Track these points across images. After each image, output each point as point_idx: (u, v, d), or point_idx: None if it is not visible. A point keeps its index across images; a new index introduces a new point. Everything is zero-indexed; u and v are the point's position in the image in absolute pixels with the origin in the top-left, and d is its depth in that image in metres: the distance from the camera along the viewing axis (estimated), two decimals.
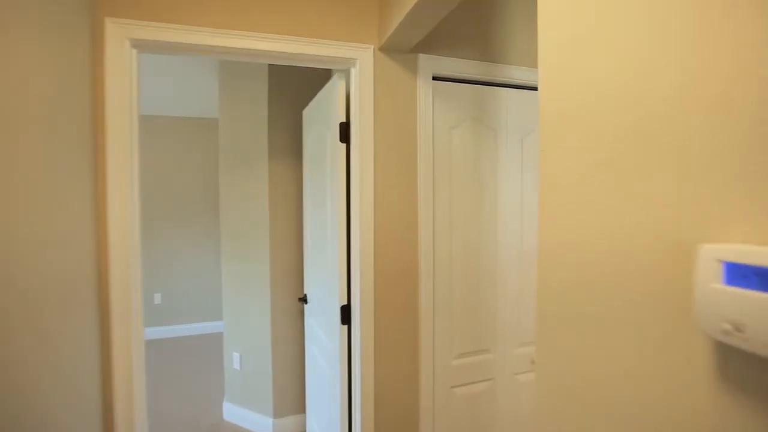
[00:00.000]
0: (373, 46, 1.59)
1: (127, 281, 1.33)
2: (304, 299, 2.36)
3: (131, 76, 1.35)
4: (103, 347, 1.31)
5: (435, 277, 1.75)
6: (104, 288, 1.31)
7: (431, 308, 1.74)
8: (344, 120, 1.68)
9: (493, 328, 1.88)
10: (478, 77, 1.76)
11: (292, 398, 2.56)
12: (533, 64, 1.85)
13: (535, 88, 1.90)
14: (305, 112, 2.30)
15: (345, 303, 1.71)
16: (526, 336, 1.95)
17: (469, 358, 1.84)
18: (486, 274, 1.85)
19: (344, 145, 1.68)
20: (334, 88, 1.71)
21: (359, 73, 1.59)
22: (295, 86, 2.51)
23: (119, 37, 1.31)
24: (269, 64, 2.45)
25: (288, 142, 2.51)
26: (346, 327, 1.71)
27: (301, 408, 2.59)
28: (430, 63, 1.67)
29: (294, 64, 1.59)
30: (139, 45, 1.36)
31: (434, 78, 1.71)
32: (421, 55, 1.66)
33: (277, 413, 2.54)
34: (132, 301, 1.35)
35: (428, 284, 1.72)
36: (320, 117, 1.96)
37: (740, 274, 0.42)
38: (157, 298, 4.31)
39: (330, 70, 2.41)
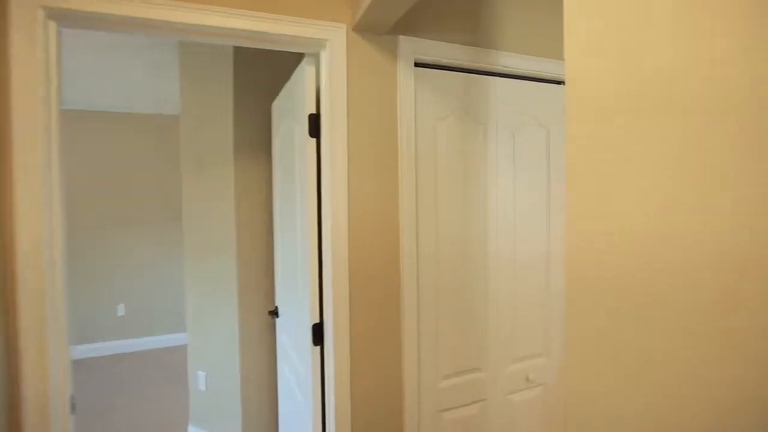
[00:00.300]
0: (345, 25, 1.38)
1: (42, 300, 1.09)
2: (275, 313, 2.13)
3: (48, 56, 1.10)
4: (11, 380, 1.06)
5: (419, 286, 1.55)
6: (11, 307, 1.06)
7: (415, 323, 1.53)
8: (314, 111, 1.46)
9: (485, 343, 1.69)
10: (466, 64, 1.57)
11: (263, 422, 2.32)
12: (528, 50, 1.66)
13: (529, 78, 1.72)
14: (274, 105, 2.08)
15: (317, 321, 1.49)
16: (520, 350, 1.77)
17: (458, 378, 1.65)
18: (476, 282, 1.66)
19: (314, 140, 1.46)
20: (302, 75, 1.49)
21: (330, 57, 1.38)
22: (265, 77, 2.28)
23: (29, 5, 1.06)
24: (235, 54, 2.21)
25: (257, 140, 2.27)
26: (318, 348, 1.50)
27: None
28: (411, 46, 1.47)
29: (252, 45, 1.36)
30: (58, 16, 1.11)
31: (416, 64, 1.51)
32: (401, 37, 1.45)
33: None
34: (49, 323, 1.10)
35: (412, 295, 1.52)
36: (289, 109, 1.74)
37: None
38: (121, 310, 3.99)
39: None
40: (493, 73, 1.65)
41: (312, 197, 1.46)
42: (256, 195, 2.27)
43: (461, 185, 1.61)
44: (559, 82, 1.79)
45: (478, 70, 1.62)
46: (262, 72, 2.27)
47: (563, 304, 1.87)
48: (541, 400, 1.84)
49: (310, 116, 1.45)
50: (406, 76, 1.47)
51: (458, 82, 1.59)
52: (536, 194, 1.77)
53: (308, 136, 1.46)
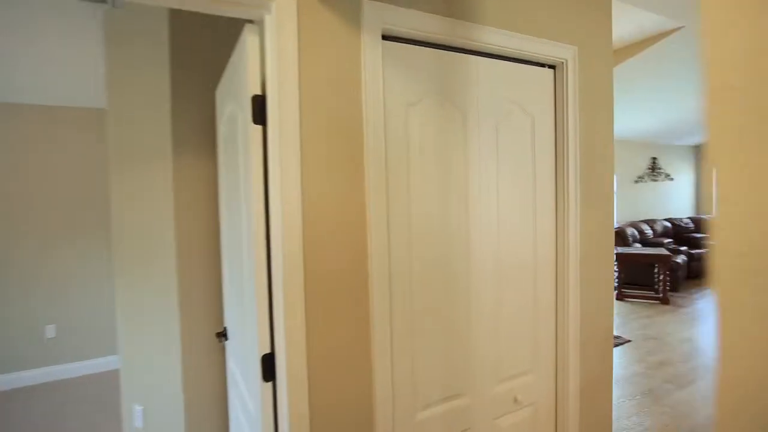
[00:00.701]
0: None
1: None
2: (223, 334, 1.82)
3: None
4: None
5: (392, 301, 1.30)
6: None
7: (388, 346, 1.28)
8: (259, 93, 1.18)
9: (467, 363, 1.46)
10: (444, 39, 1.33)
11: None
12: (514, 26, 1.45)
13: (513, 59, 1.50)
14: (218, 91, 1.77)
15: (267, 351, 1.20)
16: (507, 368, 1.56)
17: (438, 407, 1.41)
18: (457, 292, 1.43)
19: (260, 127, 1.18)
20: (244, 47, 1.21)
21: (276, 23, 1.10)
22: (209, 61, 1.95)
23: None
24: (171, 34, 1.88)
25: (200, 133, 1.95)
26: (270, 385, 1.21)
27: None
28: (378, 14, 1.22)
29: (180, 6, 1.07)
30: None
31: (385, 37, 1.26)
32: (365, 1, 1.20)
33: None
34: None
35: (383, 312, 1.27)
36: (232, 93, 1.45)
37: None
38: (50, 331, 3.49)
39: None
40: (475, 51, 1.42)
41: (257, 198, 1.18)
42: (200, 196, 1.95)
43: (439, 181, 1.38)
44: (543, 65, 1.59)
45: (457, 47, 1.39)
46: (206, 55, 1.94)
47: (552, 313, 1.67)
48: (531, 421, 1.64)
49: (254, 98, 1.17)
50: (372, 50, 1.21)
51: (434, 60, 1.35)
52: (522, 190, 1.57)
53: (252, 122, 1.17)
